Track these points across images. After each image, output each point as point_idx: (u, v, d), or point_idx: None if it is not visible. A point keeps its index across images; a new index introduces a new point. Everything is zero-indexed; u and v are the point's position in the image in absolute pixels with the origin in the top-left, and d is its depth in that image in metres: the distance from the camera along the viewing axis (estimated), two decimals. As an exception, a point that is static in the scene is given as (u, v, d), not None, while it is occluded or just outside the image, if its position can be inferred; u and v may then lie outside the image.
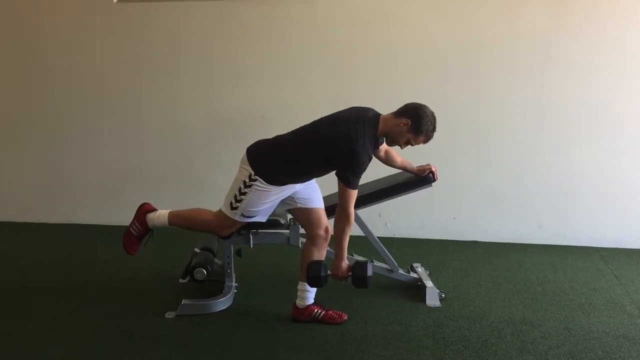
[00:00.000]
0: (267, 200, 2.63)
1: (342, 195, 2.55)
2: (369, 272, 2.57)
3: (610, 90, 3.80)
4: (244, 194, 2.61)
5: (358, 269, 2.59)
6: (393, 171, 3.12)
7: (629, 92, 3.80)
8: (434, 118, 2.59)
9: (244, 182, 2.61)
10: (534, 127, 3.91)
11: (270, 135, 2.74)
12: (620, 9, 3.69)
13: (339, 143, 2.51)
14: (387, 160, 2.95)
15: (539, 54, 3.81)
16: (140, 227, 2.83)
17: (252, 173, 2.59)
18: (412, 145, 2.63)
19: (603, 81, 3.80)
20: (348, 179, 2.52)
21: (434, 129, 2.60)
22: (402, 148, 2.66)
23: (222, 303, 2.92)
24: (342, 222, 2.58)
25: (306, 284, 2.74)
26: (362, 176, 2.57)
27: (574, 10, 3.74)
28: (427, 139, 2.62)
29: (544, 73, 3.83)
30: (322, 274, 2.59)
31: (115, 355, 2.49)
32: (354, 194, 2.55)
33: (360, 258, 3.01)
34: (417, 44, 3.91)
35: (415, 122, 2.54)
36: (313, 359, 2.46)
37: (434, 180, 2.97)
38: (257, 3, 3.99)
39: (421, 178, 2.97)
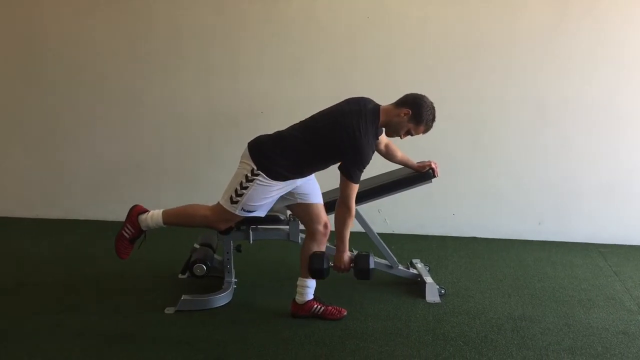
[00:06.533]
0: (268, 196, 2.62)
1: (344, 189, 2.56)
2: (372, 264, 2.58)
3: (610, 88, 3.80)
4: (246, 188, 2.60)
5: (360, 261, 2.61)
6: (392, 167, 3.12)
7: (629, 90, 3.79)
8: (434, 108, 2.60)
9: (246, 176, 2.59)
10: (533, 124, 3.91)
11: (269, 130, 2.73)
12: (620, 5, 3.69)
13: (344, 138, 2.50)
14: (387, 155, 2.94)
15: (539, 51, 3.80)
16: (133, 229, 2.76)
17: (255, 168, 2.57)
18: (412, 135, 2.63)
19: (603, 78, 3.79)
20: (351, 173, 2.52)
21: (433, 119, 2.61)
22: (402, 138, 2.66)
23: (222, 299, 2.92)
24: (343, 215, 2.59)
25: (306, 279, 2.75)
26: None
27: (574, 7, 3.73)
28: (427, 129, 2.63)
29: (544, 70, 3.82)
30: (325, 266, 2.61)
31: (115, 351, 2.48)
32: (356, 187, 2.56)
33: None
34: (417, 40, 3.90)
35: (416, 112, 2.55)
36: (313, 355, 2.46)
37: (434, 176, 2.96)
38: (256, -2, 3.98)
39: (421, 174, 2.96)
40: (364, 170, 2.56)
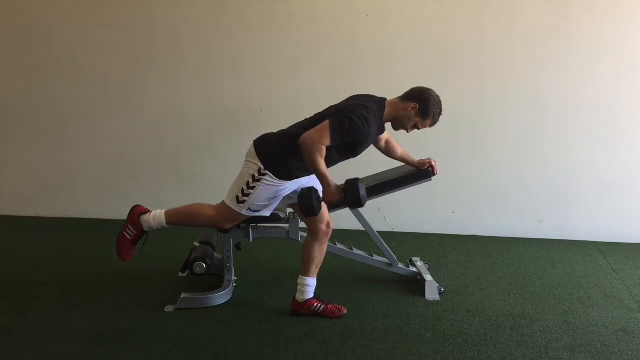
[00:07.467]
0: (275, 195, 2.62)
1: (320, 131, 2.40)
2: (362, 191, 2.44)
3: (609, 87, 3.80)
4: (253, 188, 2.58)
5: (350, 189, 2.44)
6: (391, 164, 3.11)
7: (628, 89, 3.79)
8: (440, 101, 2.60)
9: (253, 176, 2.58)
10: (533, 122, 3.91)
11: (269, 129, 2.72)
12: (620, 5, 3.69)
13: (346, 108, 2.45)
14: (388, 151, 2.94)
15: (539, 50, 3.80)
16: (135, 230, 2.74)
17: (262, 167, 2.56)
18: (418, 129, 2.63)
19: (603, 78, 3.79)
20: (336, 128, 2.39)
21: (440, 112, 2.61)
22: (408, 132, 2.66)
23: (222, 297, 2.92)
24: (313, 156, 2.40)
25: (306, 278, 2.75)
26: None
27: (573, 6, 3.73)
28: (433, 123, 2.63)
29: (544, 69, 3.82)
30: (315, 203, 2.46)
31: (115, 350, 2.48)
32: (327, 141, 2.40)
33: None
34: (417, 38, 3.90)
35: (423, 106, 2.55)
36: (313, 353, 2.46)
37: (434, 174, 2.96)
38: (256, -4, 3.98)
39: (421, 172, 2.96)
40: (346, 140, 2.44)
